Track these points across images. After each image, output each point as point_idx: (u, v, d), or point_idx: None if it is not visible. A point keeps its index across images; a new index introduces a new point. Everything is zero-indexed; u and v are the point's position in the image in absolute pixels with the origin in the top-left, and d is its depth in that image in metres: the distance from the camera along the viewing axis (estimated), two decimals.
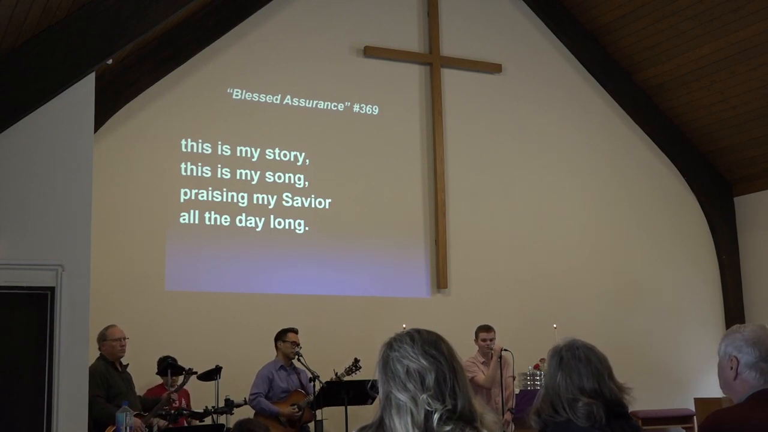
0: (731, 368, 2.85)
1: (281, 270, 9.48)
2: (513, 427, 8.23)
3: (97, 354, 7.20)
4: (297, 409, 7.83)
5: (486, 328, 8.35)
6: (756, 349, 2.81)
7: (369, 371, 8.16)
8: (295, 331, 8.15)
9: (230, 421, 7.66)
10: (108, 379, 6.97)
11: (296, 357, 7.96)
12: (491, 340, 8.27)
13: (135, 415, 6.68)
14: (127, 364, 7.31)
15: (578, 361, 2.92)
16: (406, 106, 10.41)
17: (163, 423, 7.07)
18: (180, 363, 7.74)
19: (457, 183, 10.48)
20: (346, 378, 8.07)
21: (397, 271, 10.02)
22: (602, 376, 2.92)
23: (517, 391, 8.93)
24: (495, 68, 10.89)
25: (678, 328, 11.27)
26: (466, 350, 8.47)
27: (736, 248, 11.84)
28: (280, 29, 9.89)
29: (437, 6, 10.65)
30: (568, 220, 11.03)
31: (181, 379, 7.59)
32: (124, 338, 7.25)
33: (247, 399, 7.86)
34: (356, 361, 8.15)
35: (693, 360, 11.08)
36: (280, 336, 8.14)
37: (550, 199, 10.99)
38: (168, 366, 7.60)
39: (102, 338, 7.20)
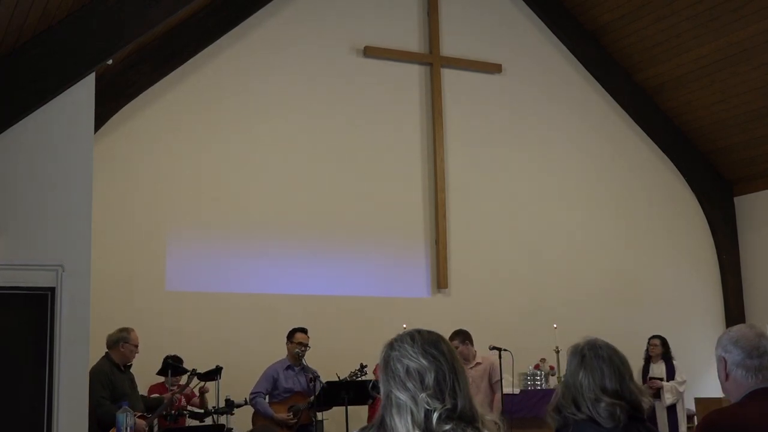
0: (723, 369, 2.89)
1: (281, 270, 9.48)
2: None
3: (98, 354, 7.10)
4: (292, 416, 7.80)
5: (451, 337, 8.26)
6: (740, 348, 2.86)
7: (370, 372, 8.19)
8: (303, 331, 8.13)
9: (230, 421, 7.66)
10: (113, 380, 6.88)
11: (299, 357, 7.96)
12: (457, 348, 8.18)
13: (138, 417, 6.65)
14: (130, 365, 7.27)
15: (601, 361, 2.90)
16: (406, 106, 10.41)
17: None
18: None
19: (457, 183, 10.48)
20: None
21: (397, 271, 10.03)
22: (623, 377, 2.90)
23: (517, 391, 8.92)
24: (495, 68, 10.89)
25: (678, 328, 11.26)
26: None
27: (736, 248, 11.84)
28: (280, 30, 9.90)
29: (437, 6, 10.66)
30: (568, 220, 11.03)
31: (185, 379, 7.59)
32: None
33: (247, 399, 7.87)
34: (362, 366, 8.15)
35: (693, 360, 11.07)
36: (289, 335, 8.14)
37: (550, 198, 11.00)
38: (168, 366, 7.60)
39: (123, 340, 7.00)
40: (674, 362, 9.37)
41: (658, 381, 9.16)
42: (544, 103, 11.16)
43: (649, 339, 9.55)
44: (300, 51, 9.98)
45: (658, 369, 9.35)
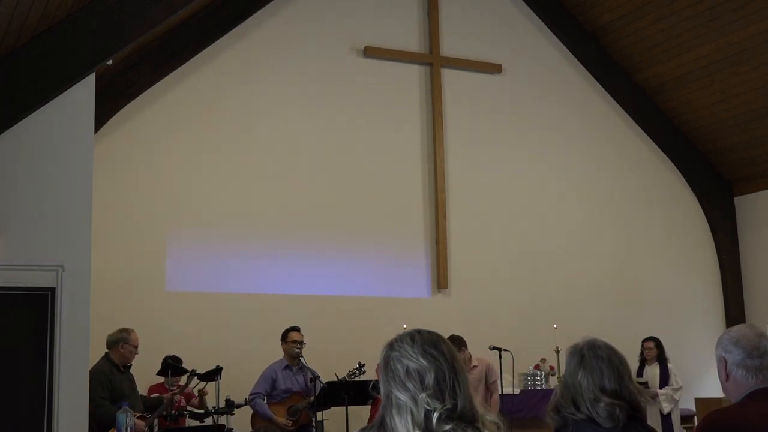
0: (723, 369, 2.89)
1: (281, 270, 9.48)
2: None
3: (98, 354, 7.09)
4: (291, 424, 7.80)
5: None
6: (740, 348, 2.86)
7: (370, 372, 8.19)
8: (297, 329, 8.14)
9: (230, 421, 7.65)
10: (112, 380, 6.87)
11: (297, 356, 7.95)
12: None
13: (138, 417, 6.64)
14: (130, 365, 7.27)
15: (600, 361, 2.90)
16: (406, 106, 10.41)
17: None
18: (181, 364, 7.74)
19: (457, 183, 10.48)
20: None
21: (398, 271, 10.02)
22: (622, 377, 2.90)
23: (517, 391, 8.92)
24: (495, 68, 10.89)
25: (678, 328, 11.28)
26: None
27: (737, 248, 11.84)
28: (280, 30, 9.90)
29: (437, 6, 10.66)
30: (568, 220, 11.03)
31: (184, 379, 7.58)
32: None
33: (247, 399, 7.86)
34: (360, 365, 8.14)
35: (693, 360, 11.08)
36: (283, 336, 8.15)
37: (550, 198, 11.00)
38: (168, 366, 7.59)
39: (123, 341, 7.00)
40: (669, 365, 9.09)
41: (652, 389, 8.83)
42: (544, 103, 11.16)
43: (643, 341, 9.26)
44: (300, 51, 9.98)
45: (652, 372, 9.09)
